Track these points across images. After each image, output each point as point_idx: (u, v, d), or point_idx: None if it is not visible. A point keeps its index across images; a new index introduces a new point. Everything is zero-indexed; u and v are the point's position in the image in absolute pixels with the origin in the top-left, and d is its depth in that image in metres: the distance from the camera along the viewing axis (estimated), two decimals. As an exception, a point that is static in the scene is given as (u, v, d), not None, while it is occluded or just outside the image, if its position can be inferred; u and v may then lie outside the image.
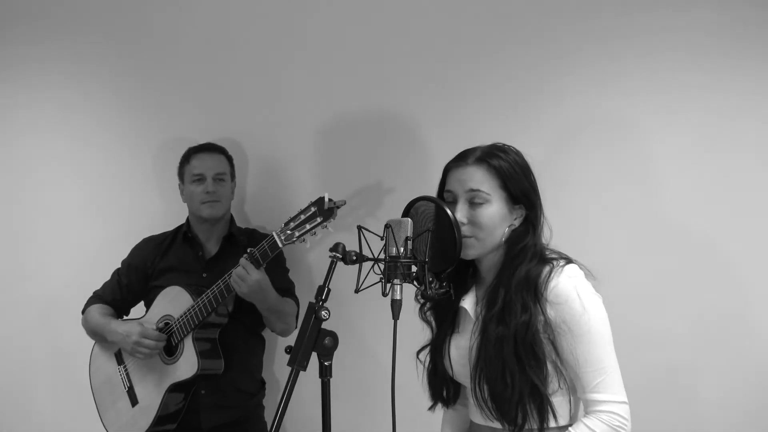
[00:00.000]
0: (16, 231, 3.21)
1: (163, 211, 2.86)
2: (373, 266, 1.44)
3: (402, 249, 1.41)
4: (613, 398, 1.44)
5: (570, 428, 1.47)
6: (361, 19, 2.57)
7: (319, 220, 2.02)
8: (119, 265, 2.59)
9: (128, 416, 2.40)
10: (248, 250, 2.18)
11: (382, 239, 1.44)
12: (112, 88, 3.03)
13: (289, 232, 2.07)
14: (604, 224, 2.23)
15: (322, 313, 1.42)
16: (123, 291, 2.54)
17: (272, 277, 2.27)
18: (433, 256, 1.46)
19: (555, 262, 1.51)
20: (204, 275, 2.44)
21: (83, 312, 2.54)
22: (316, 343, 1.42)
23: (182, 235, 2.54)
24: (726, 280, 2.11)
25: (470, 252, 1.54)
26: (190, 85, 2.87)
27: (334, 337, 1.44)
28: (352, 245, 1.48)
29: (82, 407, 2.89)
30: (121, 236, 2.72)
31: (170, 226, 2.62)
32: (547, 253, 1.56)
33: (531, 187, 1.56)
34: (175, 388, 2.31)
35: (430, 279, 1.50)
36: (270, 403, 2.59)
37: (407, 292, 1.44)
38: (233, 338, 2.39)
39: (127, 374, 2.43)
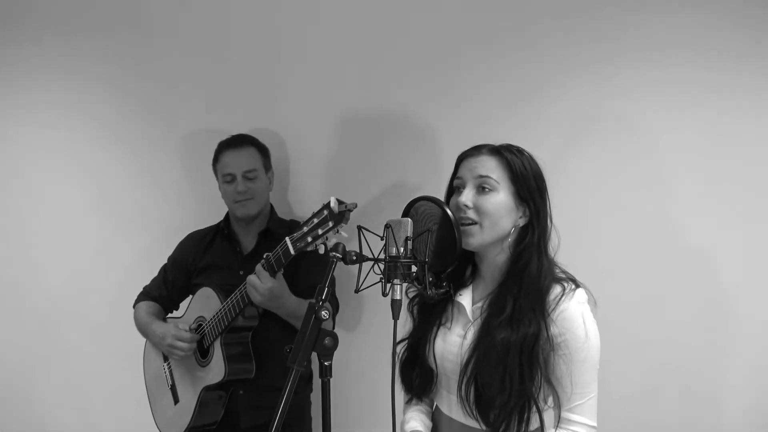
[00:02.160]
0: (17, 231, 3.24)
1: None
2: (373, 266, 1.44)
3: (402, 249, 1.41)
4: (587, 422, 1.49)
5: None
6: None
7: (330, 224, 1.85)
8: (121, 266, 2.65)
9: (172, 413, 2.46)
10: (264, 256, 2.13)
11: (382, 239, 1.44)
12: (115, 85, 3.00)
13: (301, 237, 1.94)
14: (604, 222, 2.20)
15: (322, 313, 1.42)
16: (168, 287, 2.58)
17: (306, 275, 2.27)
18: (433, 255, 1.45)
19: (566, 285, 1.51)
20: (241, 272, 2.42)
21: (134, 307, 2.60)
22: (316, 343, 1.42)
23: (221, 232, 2.54)
24: (728, 279, 2.09)
25: (471, 240, 1.52)
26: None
27: (334, 337, 1.44)
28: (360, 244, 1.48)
29: (83, 408, 3.02)
30: (125, 236, 2.77)
31: (196, 226, 2.63)
32: (557, 271, 1.55)
33: (539, 190, 1.55)
34: (210, 389, 2.33)
35: (431, 279, 1.49)
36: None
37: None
38: (267, 338, 2.37)
39: (170, 372, 2.48)
